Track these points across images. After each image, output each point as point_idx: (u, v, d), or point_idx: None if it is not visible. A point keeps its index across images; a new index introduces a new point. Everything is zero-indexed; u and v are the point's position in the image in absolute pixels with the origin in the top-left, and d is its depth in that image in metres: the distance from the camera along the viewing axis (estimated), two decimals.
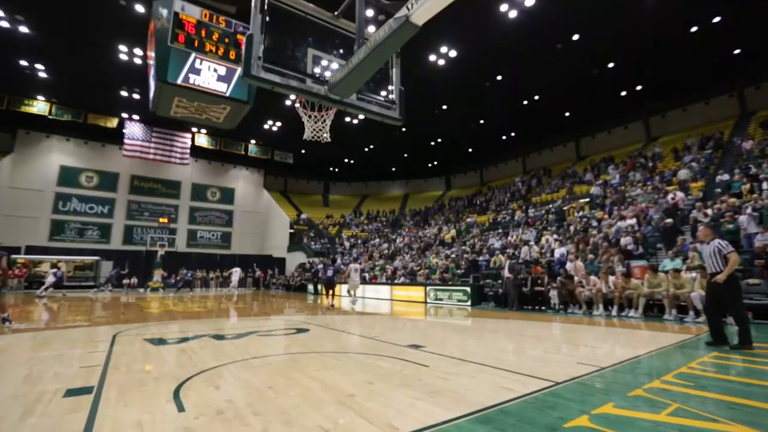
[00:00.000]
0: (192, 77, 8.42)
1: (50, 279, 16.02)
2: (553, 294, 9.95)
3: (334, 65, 3.64)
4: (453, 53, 18.40)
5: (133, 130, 25.44)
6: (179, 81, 8.26)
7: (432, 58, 18.83)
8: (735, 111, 20.68)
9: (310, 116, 4.60)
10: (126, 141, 25.05)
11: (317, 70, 3.46)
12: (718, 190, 11.43)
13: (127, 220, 28.40)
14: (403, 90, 3.73)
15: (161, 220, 27.24)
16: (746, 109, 20.21)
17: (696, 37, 16.92)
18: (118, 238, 27.65)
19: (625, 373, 3.57)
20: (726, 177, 11.94)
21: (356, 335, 6.15)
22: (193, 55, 8.48)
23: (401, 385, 3.18)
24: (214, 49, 8.79)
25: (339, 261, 24.27)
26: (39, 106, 22.90)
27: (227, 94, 8.87)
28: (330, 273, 12.16)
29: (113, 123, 25.48)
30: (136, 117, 25.54)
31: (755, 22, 15.88)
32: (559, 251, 11.80)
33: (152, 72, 9.10)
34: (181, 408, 2.62)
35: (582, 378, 3.37)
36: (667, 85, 21.25)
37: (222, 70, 8.86)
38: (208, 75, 8.65)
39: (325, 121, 4.76)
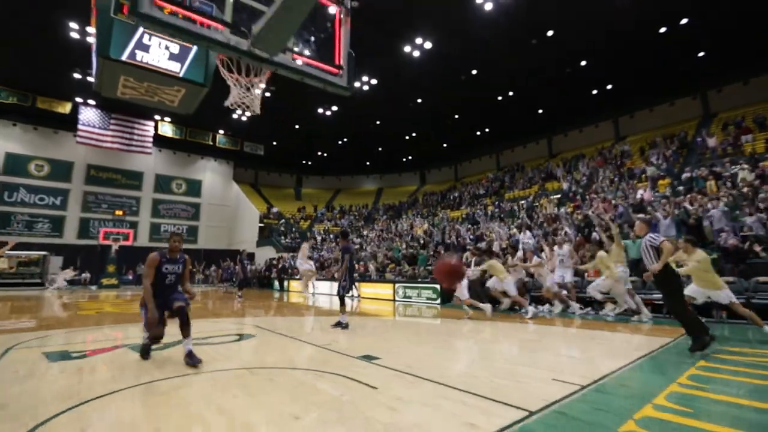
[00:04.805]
0: (139, 54, 7.58)
1: None
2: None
3: (265, 11, 2.85)
4: (428, 44, 18.02)
5: (89, 115, 23.75)
6: (124, 57, 7.41)
7: (407, 49, 18.39)
8: (698, 112, 21.36)
9: (237, 81, 4.00)
10: (80, 127, 23.35)
11: (239, 17, 2.80)
12: (681, 188, 11.60)
13: (83, 212, 26.59)
14: (353, 55, 3.23)
15: (117, 212, 25.56)
16: (709, 110, 20.90)
17: (664, 39, 17.22)
18: (72, 232, 25.85)
19: (610, 393, 3.10)
20: (691, 174, 12.13)
21: (304, 342, 5.45)
22: (141, 29, 7.66)
23: (335, 421, 2.54)
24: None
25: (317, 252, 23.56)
26: None
27: (181, 75, 8.05)
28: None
29: (66, 108, 23.71)
30: (91, 102, 23.83)
31: (720, 25, 16.29)
32: (526, 241, 11.63)
33: (94, 47, 8.22)
34: None
35: (561, 403, 2.84)
36: (635, 85, 21.67)
37: (175, 48, 8.05)
38: (159, 52, 7.83)
39: (253, 87, 4.14)
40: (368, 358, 4.38)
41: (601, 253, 7.52)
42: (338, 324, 6.48)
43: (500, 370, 3.85)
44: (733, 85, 20.35)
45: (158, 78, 8.16)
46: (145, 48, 7.67)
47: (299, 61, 2.92)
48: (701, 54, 18.65)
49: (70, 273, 20.52)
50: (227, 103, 4.10)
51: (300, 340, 5.57)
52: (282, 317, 9.03)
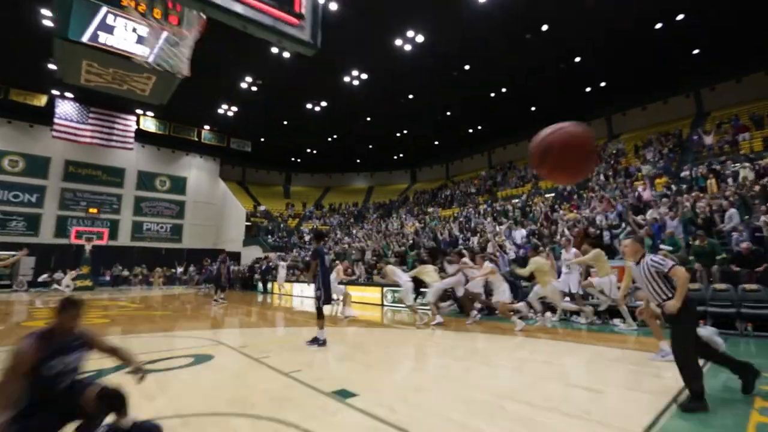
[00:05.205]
0: (102, 36, 6.88)
1: None
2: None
3: None
4: (420, 38, 17.45)
5: (66, 109, 22.68)
6: (85, 39, 6.71)
7: (398, 42, 17.80)
8: (692, 111, 21.17)
9: (154, 26, 3.34)
10: (56, 121, 22.27)
11: None
12: (683, 186, 11.23)
13: (60, 210, 25.45)
14: (320, 3, 2.60)
15: (91, 210, 24.46)
16: (702, 109, 20.71)
17: (659, 36, 16.93)
18: (49, 230, 24.71)
19: None
20: (690, 173, 11.78)
21: (269, 368, 4.47)
22: (105, 9, 6.93)
23: None
24: (133, 4, 7.26)
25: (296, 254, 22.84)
26: None
27: (150, 60, 7.39)
28: None
29: (41, 101, 22.64)
30: (69, 95, 22.77)
31: (714, 23, 16.02)
32: (519, 235, 11.23)
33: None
34: None
35: None
36: (629, 83, 21.40)
37: (143, 31, 7.38)
38: (125, 35, 7.13)
39: (181, 40, 3.45)
40: (342, 394, 3.48)
41: (536, 259, 7.09)
42: (314, 340, 5.63)
43: (515, 417, 2.92)
44: (726, 83, 20.21)
45: (125, 64, 7.49)
46: (109, 29, 6.97)
47: (243, 5, 2.26)
48: (696, 51, 18.42)
49: (75, 273, 19.45)
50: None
51: (265, 365, 4.61)
52: (254, 329, 8.23)
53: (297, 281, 17.20)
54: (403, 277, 8.22)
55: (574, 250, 6.76)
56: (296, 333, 7.34)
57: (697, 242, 6.63)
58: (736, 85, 19.91)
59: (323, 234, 6.35)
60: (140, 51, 7.29)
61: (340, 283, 10.12)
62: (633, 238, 3.67)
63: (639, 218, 8.47)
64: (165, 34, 7.59)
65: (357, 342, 6.48)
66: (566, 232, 9.06)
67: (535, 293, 7.24)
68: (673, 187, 10.75)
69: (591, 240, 7.79)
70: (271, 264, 19.87)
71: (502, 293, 7.13)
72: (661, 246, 7.06)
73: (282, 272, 16.73)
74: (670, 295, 3.24)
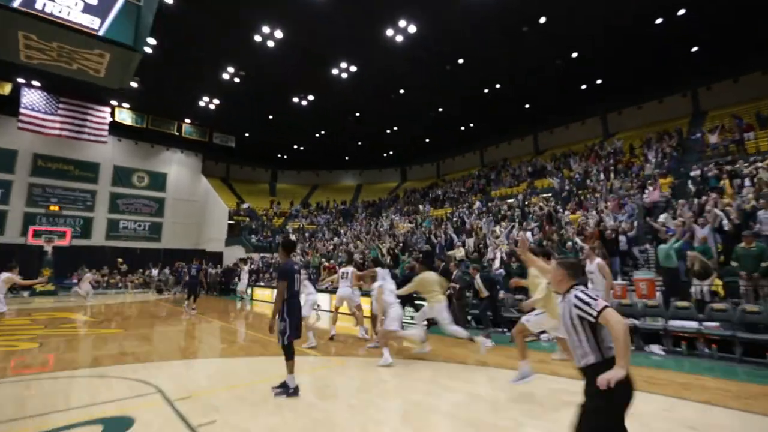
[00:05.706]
0: (40, 2, 5.81)
1: None
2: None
3: None
4: (412, 28, 16.50)
5: (32, 98, 21.16)
6: (16, 4, 5.63)
7: (389, 32, 16.85)
8: (688, 110, 20.73)
9: None
10: (22, 111, 20.75)
11: None
12: (692, 186, 10.55)
13: (28, 207, 23.87)
14: None
15: (52, 208, 22.84)
16: (699, 108, 20.28)
17: (657, 34, 16.37)
18: (16, 229, 23.10)
19: None
20: (699, 173, 11.11)
21: None
22: None
23: None
24: None
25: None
26: None
27: (100, 33, 6.28)
28: None
29: (5, 89, 21.10)
30: (36, 83, 21.29)
31: (713, 20, 15.52)
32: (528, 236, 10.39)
33: None
34: None
35: None
36: (624, 81, 20.86)
37: None
38: (69, 1, 6.06)
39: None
40: None
41: (424, 275, 6.16)
42: (283, 387, 4.33)
43: None
44: (723, 82, 19.82)
45: (71, 37, 6.37)
46: None
47: None
48: (694, 49, 17.92)
49: (91, 276, 17.34)
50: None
51: None
52: (210, 361, 6.55)
53: (268, 286, 15.80)
54: (309, 287, 7.40)
55: (598, 260, 5.71)
56: (265, 367, 5.72)
57: (742, 244, 5.89)
58: (733, 85, 19.53)
59: (293, 244, 4.97)
60: (88, 21, 6.22)
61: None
62: (560, 262, 2.40)
63: (659, 222, 7.70)
64: (120, 1, 6.56)
65: (341, 387, 4.87)
66: (578, 240, 8.16)
67: (423, 313, 6.31)
68: (691, 188, 10.03)
69: (603, 245, 6.94)
70: (237, 269, 18.08)
71: (390, 318, 5.89)
72: (688, 252, 6.29)
73: (244, 278, 15.10)
74: (593, 358, 2.07)
